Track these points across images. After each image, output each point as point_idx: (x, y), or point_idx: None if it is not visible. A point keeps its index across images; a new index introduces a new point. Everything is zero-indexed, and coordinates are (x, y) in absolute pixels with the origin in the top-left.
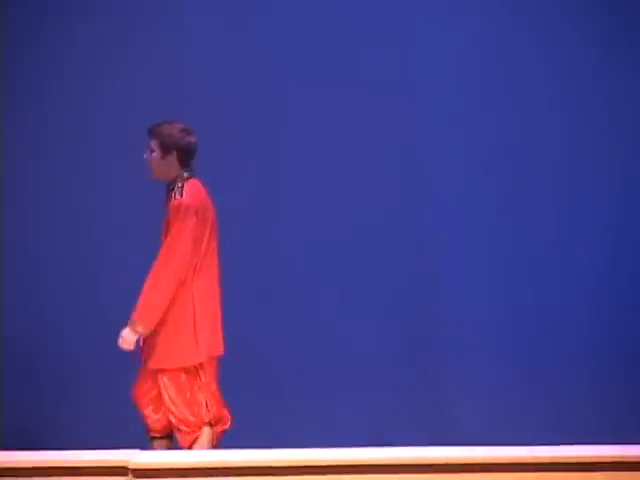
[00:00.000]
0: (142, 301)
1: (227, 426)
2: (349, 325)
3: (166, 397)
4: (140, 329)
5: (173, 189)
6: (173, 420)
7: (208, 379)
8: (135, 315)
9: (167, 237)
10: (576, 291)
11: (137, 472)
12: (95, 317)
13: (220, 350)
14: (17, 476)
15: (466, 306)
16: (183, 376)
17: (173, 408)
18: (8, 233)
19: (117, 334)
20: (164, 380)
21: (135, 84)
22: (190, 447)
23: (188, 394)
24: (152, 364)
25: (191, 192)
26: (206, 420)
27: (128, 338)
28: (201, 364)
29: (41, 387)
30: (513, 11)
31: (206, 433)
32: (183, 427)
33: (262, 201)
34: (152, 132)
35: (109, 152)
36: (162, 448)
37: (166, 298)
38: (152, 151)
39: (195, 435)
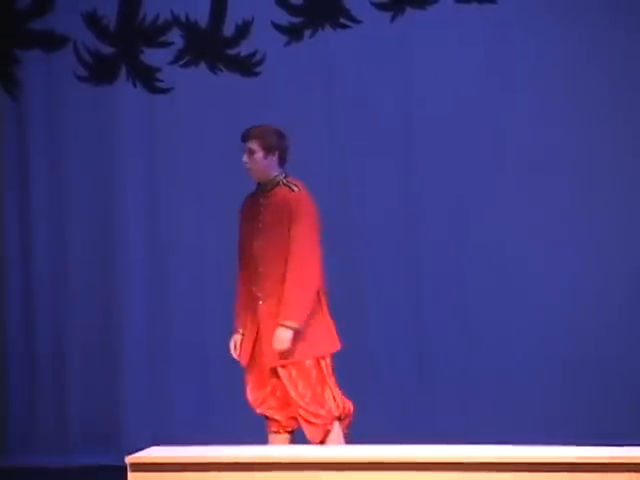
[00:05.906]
0: (290, 300)
1: (351, 419)
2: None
3: (293, 392)
4: (294, 325)
5: (273, 187)
6: (302, 413)
7: (330, 372)
8: (286, 316)
9: (297, 231)
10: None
11: None
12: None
13: (339, 345)
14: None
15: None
16: (314, 370)
17: (302, 402)
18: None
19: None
20: (292, 374)
21: None
22: (323, 441)
23: (319, 388)
24: (282, 359)
25: (303, 186)
26: (336, 414)
27: (282, 336)
28: (327, 357)
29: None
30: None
31: (337, 427)
32: (314, 420)
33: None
34: (250, 134)
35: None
36: (284, 444)
37: (312, 293)
38: (253, 152)
39: (327, 428)
